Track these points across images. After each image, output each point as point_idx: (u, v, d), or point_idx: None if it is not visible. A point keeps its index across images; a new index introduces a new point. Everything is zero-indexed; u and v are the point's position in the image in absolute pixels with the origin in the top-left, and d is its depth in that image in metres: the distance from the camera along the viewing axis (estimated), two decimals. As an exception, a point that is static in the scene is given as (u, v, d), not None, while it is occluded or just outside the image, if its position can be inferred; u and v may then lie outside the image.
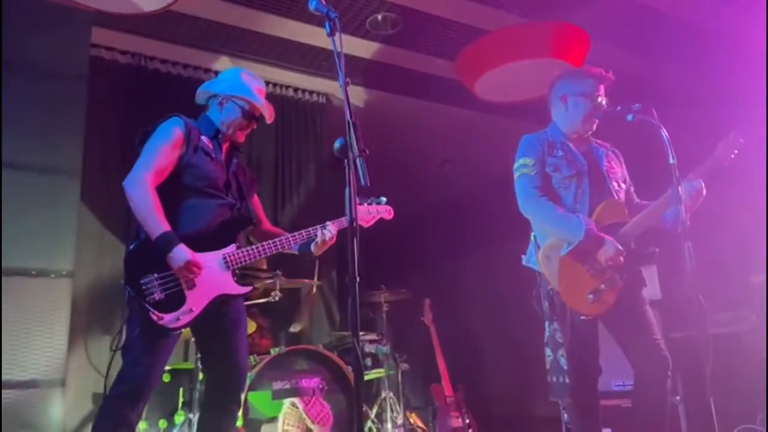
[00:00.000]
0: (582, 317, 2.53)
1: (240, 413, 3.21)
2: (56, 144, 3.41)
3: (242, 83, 2.59)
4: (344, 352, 3.88)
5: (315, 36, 4.43)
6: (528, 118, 3.88)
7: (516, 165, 2.73)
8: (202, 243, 2.34)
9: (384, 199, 2.76)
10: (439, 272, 7.56)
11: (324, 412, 3.46)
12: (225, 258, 2.38)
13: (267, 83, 5.04)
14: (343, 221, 2.55)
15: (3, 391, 3.01)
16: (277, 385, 3.42)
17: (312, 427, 3.41)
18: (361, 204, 2.69)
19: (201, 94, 2.65)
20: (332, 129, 5.26)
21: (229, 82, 2.60)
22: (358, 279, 1.75)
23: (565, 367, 2.52)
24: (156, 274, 2.24)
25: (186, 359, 4.04)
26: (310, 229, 2.52)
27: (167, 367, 3.40)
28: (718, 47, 4.39)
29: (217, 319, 2.39)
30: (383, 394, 4.27)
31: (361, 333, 1.76)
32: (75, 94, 3.55)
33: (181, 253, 2.24)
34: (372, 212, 2.72)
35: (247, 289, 2.45)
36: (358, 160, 1.80)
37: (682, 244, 2.28)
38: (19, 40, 3.44)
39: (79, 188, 3.48)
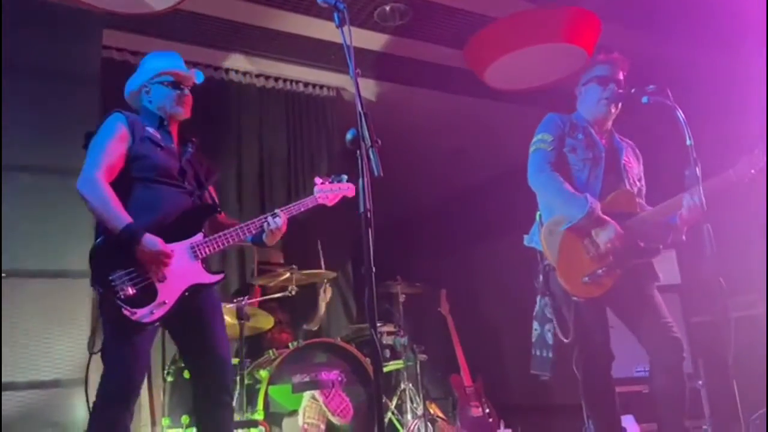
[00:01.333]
0: (574, 298, 2.52)
1: (260, 407, 3.24)
2: (71, 145, 3.42)
3: (152, 62, 2.54)
4: (362, 345, 3.89)
5: (324, 30, 4.42)
6: (540, 104, 3.85)
7: (534, 140, 2.73)
8: (166, 233, 2.27)
9: (345, 176, 2.70)
10: (455, 262, 7.54)
11: (344, 404, 3.48)
12: (193, 247, 2.33)
13: (277, 79, 5.09)
14: (293, 209, 2.53)
15: (27, 392, 3.06)
16: (297, 379, 3.43)
17: (332, 419, 3.43)
18: (323, 183, 2.66)
19: (129, 99, 2.59)
20: (343, 123, 5.26)
21: (141, 70, 2.54)
22: (373, 270, 1.74)
23: (551, 342, 2.55)
24: (123, 270, 2.18)
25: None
26: (261, 217, 2.45)
27: (188, 364, 3.43)
28: (730, 26, 4.32)
29: (192, 312, 2.33)
30: (402, 386, 4.27)
31: (378, 325, 1.76)
32: (87, 96, 3.57)
33: (150, 242, 2.18)
34: (334, 189, 2.66)
35: (218, 277, 2.39)
36: (370, 151, 1.79)
37: (701, 226, 2.26)
38: (31, 44, 3.47)
39: (95, 189, 3.50)
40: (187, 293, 2.28)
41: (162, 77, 2.49)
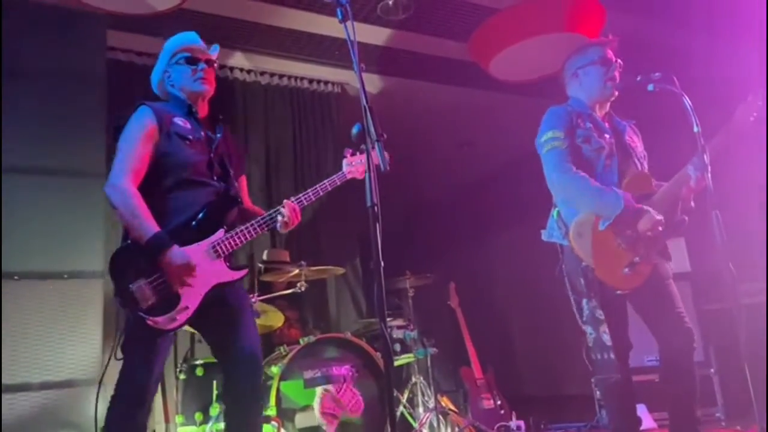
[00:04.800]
0: (618, 292, 2.50)
1: (273, 403, 3.26)
2: (80, 147, 3.46)
3: (169, 47, 2.48)
4: (372, 339, 3.89)
5: (327, 26, 4.42)
6: (546, 95, 3.83)
7: (544, 137, 2.63)
8: (189, 233, 2.24)
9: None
10: (463, 255, 7.54)
11: (355, 399, 3.49)
12: (214, 246, 2.27)
13: (282, 76, 5.09)
14: (319, 190, 2.45)
15: (41, 392, 3.08)
16: (308, 374, 3.45)
17: (344, 413, 3.45)
18: (353, 154, 2.50)
19: (158, 90, 2.54)
20: (348, 118, 5.26)
21: (160, 58, 2.50)
22: (382, 264, 1.74)
23: (609, 344, 2.45)
24: (144, 279, 2.14)
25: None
26: (273, 211, 2.38)
27: (200, 361, 3.45)
28: (738, 11, 4.28)
29: (218, 309, 2.29)
30: (413, 379, 4.28)
31: (388, 319, 1.76)
32: (95, 97, 3.58)
33: (177, 256, 2.15)
34: (363, 161, 2.46)
35: (242, 273, 2.34)
36: (376, 145, 1.79)
37: (709, 213, 2.25)
38: (36, 46, 3.49)
39: (104, 190, 3.53)
40: (211, 294, 2.24)
41: (177, 56, 2.45)
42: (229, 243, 2.30)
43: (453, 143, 6.65)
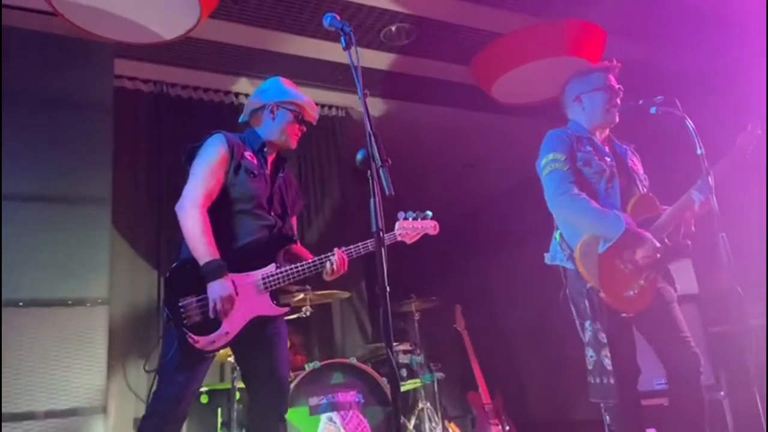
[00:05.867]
0: (623, 315, 2.49)
1: (279, 430, 3.23)
2: (86, 174, 3.49)
3: (286, 89, 2.63)
4: (378, 364, 3.87)
5: (331, 51, 4.47)
6: (548, 117, 3.85)
7: (545, 160, 2.65)
8: (242, 262, 2.34)
9: (430, 213, 2.61)
10: (469, 277, 7.51)
11: (362, 426, 3.45)
12: (264, 279, 2.36)
13: (286, 101, 5.13)
14: (361, 249, 2.48)
15: (46, 421, 3.07)
16: (314, 401, 3.42)
17: (351, 441, 3.41)
18: (406, 219, 2.57)
19: (248, 109, 2.64)
20: (353, 142, 5.29)
21: (274, 90, 2.62)
22: (388, 289, 1.73)
23: (609, 368, 2.43)
24: (195, 297, 2.24)
25: (222, 380, 4.07)
26: (323, 256, 2.44)
27: (204, 388, 3.43)
28: (738, 35, 4.32)
29: (255, 339, 2.37)
30: (420, 405, 4.23)
31: (394, 344, 1.75)
32: (101, 125, 3.63)
33: (223, 287, 2.23)
34: (417, 228, 2.58)
35: (283, 310, 2.43)
36: (381, 171, 1.80)
37: (716, 235, 2.24)
38: (45, 76, 3.54)
39: (110, 216, 3.55)
40: (251, 323, 2.32)
41: (291, 106, 2.58)
42: (278, 278, 2.38)
43: (456, 165, 6.67)
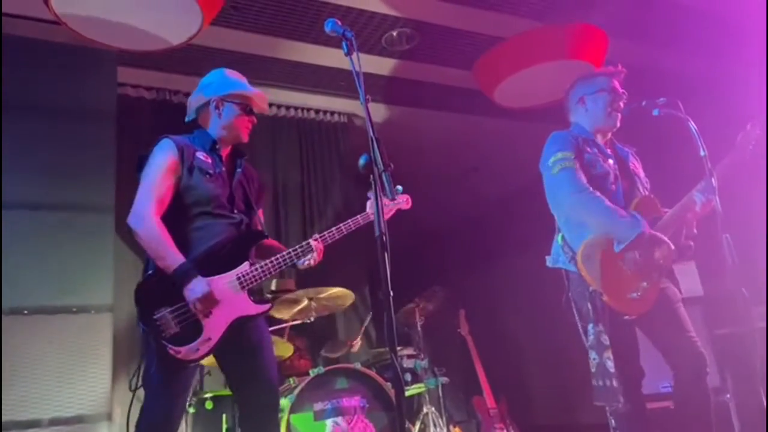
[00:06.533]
0: (626, 317, 2.48)
1: (283, 436, 3.22)
2: (89, 182, 3.50)
3: (229, 81, 2.50)
4: (383, 369, 3.86)
5: (333, 57, 4.48)
6: (551, 121, 3.86)
7: (552, 159, 2.60)
8: (213, 265, 2.26)
9: (400, 188, 2.50)
10: (472, 282, 7.50)
11: (368, 430, 3.45)
12: (239, 278, 2.28)
13: (289, 107, 5.15)
14: (343, 228, 2.45)
15: (51, 429, 3.07)
16: (318, 406, 3.41)
17: (356, 446, 3.40)
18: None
19: (191, 106, 2.53)
20: (356, 147, 5.30)
21: (217, 83, 2.49)
22: (391, 294, 1.73)
23: (612, 371, 2.40)
24: (168, 308, 2.17)
25: (227, 386, 4.06)
26: (297, 246, 2.39)
27: (209, 395, 3.43)
28: (739, 37, 4.32)
29: (240, 342, 2.29)
30: (425, 410, 4.22)
31: (398, 348, 1.75)
32: (105, 132, 3.65)
33: (199, 285, 2.17)
34: (388, 204, 2.51)
35: (265, 307, 2.35)
36: (383, 176, 1.80)
37: (720, 236, 2.24)
38: (48, 84, 3.56)
39: (114, 224, 3.55)
40: (233, 326, 2.25)
41: (237, 99, 2.47)
42: (254, 276, 2.31)
43: (459, 170, 6.68)
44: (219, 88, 2.47)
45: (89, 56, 3.71)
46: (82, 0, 3.35)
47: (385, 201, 2.47)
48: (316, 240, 2.41)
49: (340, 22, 2.01)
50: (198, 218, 2.32)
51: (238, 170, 2.50)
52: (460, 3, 4.09)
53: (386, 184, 1.80)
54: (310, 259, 2.39)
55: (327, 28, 2.02)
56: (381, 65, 4.71)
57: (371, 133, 1.85)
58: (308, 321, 3.78)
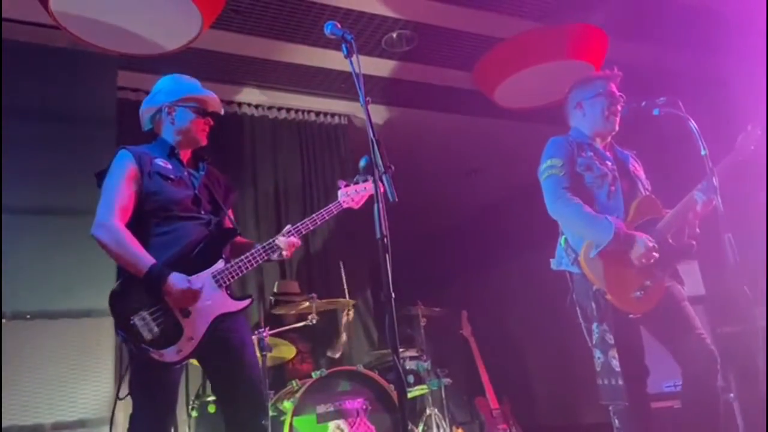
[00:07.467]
0: (630, 316, 2.48)
1: (286, 439, 3.22)
2: (91, 186, 3.49)
3: (179, 85, 2.48)
4: (385, 371, 3.85)
5: (333, 59, 4.49)
6: (552, 121, 3.86)
7: (543, 166, 2.69)
8: (187, 266, 2.22)
9: (369, 176, 2.48)
10: (475, 282, 7.50)
11: (370, 432, 3.45)
12: (214, 276, 2.27)
13: (289, 110, 5.16)
14: (317, 219, 2.45)
15: (54, 432, 3.08)
16: (321, 409, 3.41)
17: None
18: (347, 185, 2.53)
19: (144, 116, 2.51)
20: (356, 149, 5.30)
21: (166, 90, 2.47)
22: (393, 295, 1.73)
23: (617, 369, 2.41)
24: (145, 311, 2.13)
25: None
26: (271, 240, 2.38)
27: (212, 398, 3.43)
28: (739, 36, 4.32)
29: (222, 341, 2.27)
30: (428, 411, 4.22)
31: (400, 350, 1.75)
32: (105, 137, 3.65)
33: (178, 281, 2.14)
34: (360, 191, 2.52)
35: (245, 303, 2.32)
36: (384, 177, 1.80)
37: (721, 235, 2.24)
38: (48, 89, 3.57)
39: (115, 227, 3.55)
40: (214, 324, 2.23)
41: (189, 102, 2.45)
42: (230, 273, 2.30)
43: (460, 171, 6.67)
44: (169, 94, 2.46)
45: (89, 60, 3.72)
46: (81, 4, 3.35)
47: (356, 188, 2.51)
48: (290, 233, 2.41)
49: (339, 25, 2.02)
50: (165, 222, 2.30)
51: (201, 173, 2.47)
52: (459, 4, 4.09)
53: (387, 186, 1.80)
54: (281, 253, 2.38)
55: (326, 31, 2.02)
56: (381, 67, 4.71)
57: (371, 135, 1.85)
58: (311, 324, 3.78)
